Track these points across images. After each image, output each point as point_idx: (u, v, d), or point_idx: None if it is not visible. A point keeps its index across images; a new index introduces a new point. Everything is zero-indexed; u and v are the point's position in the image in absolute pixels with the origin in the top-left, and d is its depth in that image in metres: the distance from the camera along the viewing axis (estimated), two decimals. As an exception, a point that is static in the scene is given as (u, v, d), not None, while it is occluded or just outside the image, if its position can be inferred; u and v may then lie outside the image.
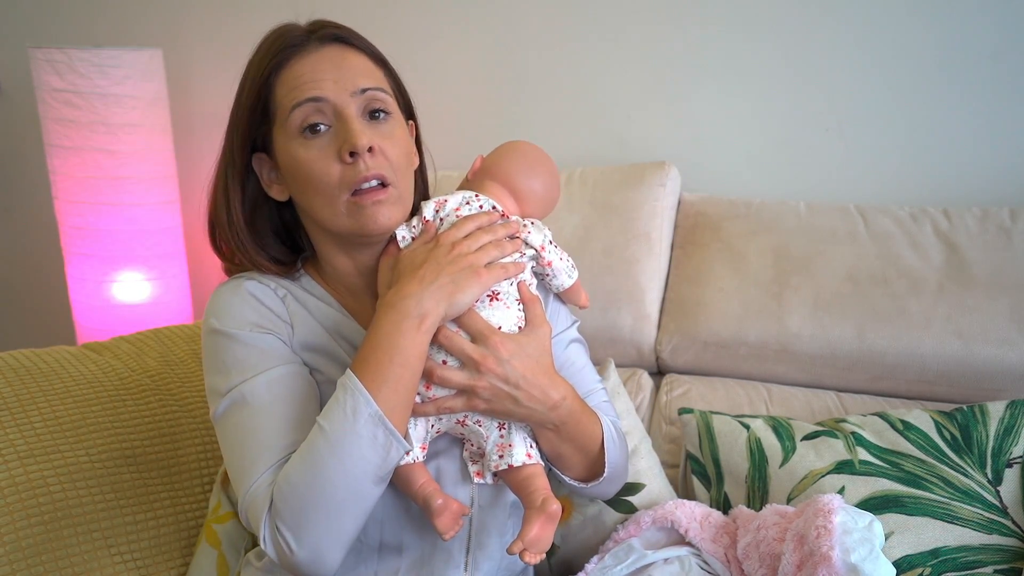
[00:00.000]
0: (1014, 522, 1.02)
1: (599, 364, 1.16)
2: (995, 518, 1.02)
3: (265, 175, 0.92)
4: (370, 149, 0.84)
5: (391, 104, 0.90)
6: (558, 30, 1.62)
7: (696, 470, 1.20)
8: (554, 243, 0.94)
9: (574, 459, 0.93)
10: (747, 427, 1.17)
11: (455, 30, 1.68)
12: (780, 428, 1.16)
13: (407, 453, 0.83)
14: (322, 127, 0.85)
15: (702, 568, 0.99)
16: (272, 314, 0.90)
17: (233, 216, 0.91)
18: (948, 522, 1.01)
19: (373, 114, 0.88)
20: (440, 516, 0.83)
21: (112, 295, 1.75)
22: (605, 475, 0.94)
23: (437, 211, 0.90)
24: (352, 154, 0.84)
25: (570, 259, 0.95)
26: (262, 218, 0.94)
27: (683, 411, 1.24)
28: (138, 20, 1.89)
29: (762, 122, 1.54)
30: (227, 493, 1.11)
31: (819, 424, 1.18)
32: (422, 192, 1.00)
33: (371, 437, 0.78)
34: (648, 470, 1.16)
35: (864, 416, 1.18)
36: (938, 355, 1.24)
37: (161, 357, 1.23)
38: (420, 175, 0.99)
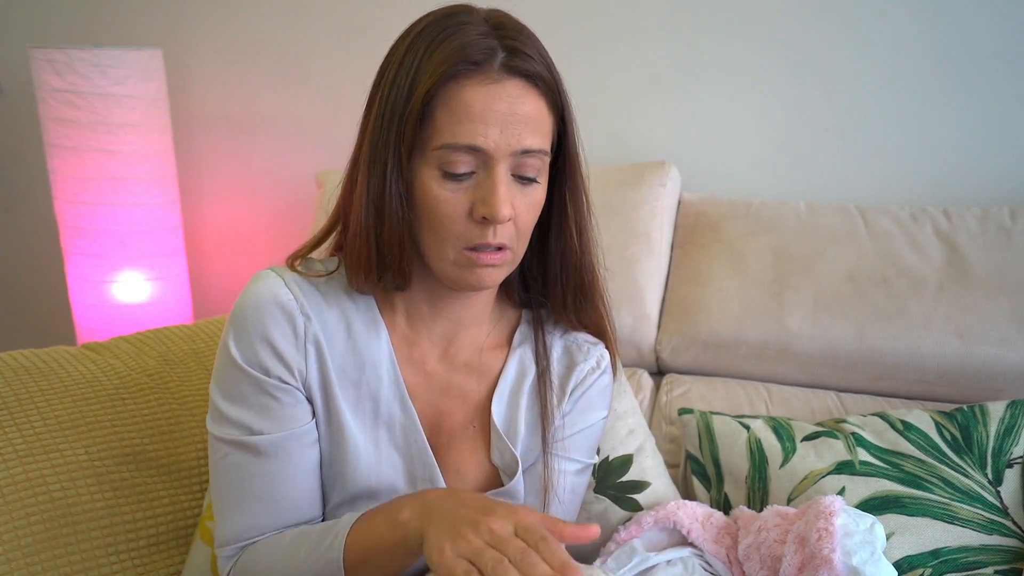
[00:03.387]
0: (1014, 522, 1.02)
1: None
2: (995, 518, 1.02)
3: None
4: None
5: (543, 169, 0.82)
6: (558, 30, 1.62)
7: (696, 470, 1.20)
8: None
9: None
10: (747, 427, 1.17)
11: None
12: (780, 429, 1.16)
13: None
14: (465, 174, 0.77)
15: (705, 569, 0.99)
16: (293, 342, 0.82)
17: (396, 216, 0.79)
18: (948, 523, 1.01)
19: (522, 178, 0.80)
20: None
21: (112, 295, 1.75)
22: None
23: None
24: (485, 219, 0.77)
25: None
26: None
27: (683, 411, 1.24)
28: (138, 20, 1.89)
29: (762, 122, 1.54)
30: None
31: (819, 424, 1.17)
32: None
33: None
34: (653, 468, 1.16)
35: (864, 416, 1.17)
36: (938, 355, 1.23)
37: (161, 356, 1.23)
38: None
